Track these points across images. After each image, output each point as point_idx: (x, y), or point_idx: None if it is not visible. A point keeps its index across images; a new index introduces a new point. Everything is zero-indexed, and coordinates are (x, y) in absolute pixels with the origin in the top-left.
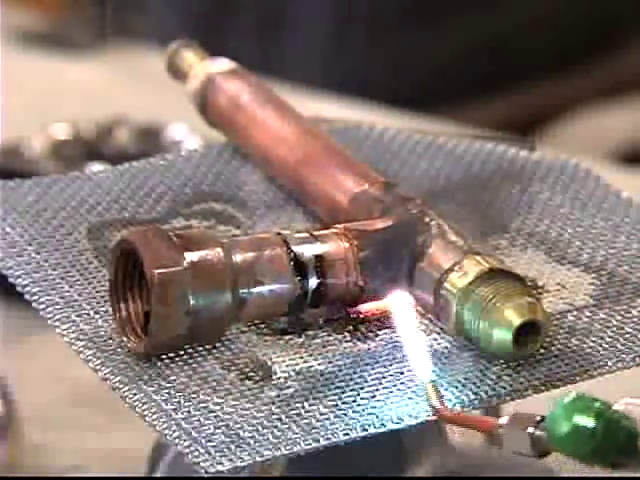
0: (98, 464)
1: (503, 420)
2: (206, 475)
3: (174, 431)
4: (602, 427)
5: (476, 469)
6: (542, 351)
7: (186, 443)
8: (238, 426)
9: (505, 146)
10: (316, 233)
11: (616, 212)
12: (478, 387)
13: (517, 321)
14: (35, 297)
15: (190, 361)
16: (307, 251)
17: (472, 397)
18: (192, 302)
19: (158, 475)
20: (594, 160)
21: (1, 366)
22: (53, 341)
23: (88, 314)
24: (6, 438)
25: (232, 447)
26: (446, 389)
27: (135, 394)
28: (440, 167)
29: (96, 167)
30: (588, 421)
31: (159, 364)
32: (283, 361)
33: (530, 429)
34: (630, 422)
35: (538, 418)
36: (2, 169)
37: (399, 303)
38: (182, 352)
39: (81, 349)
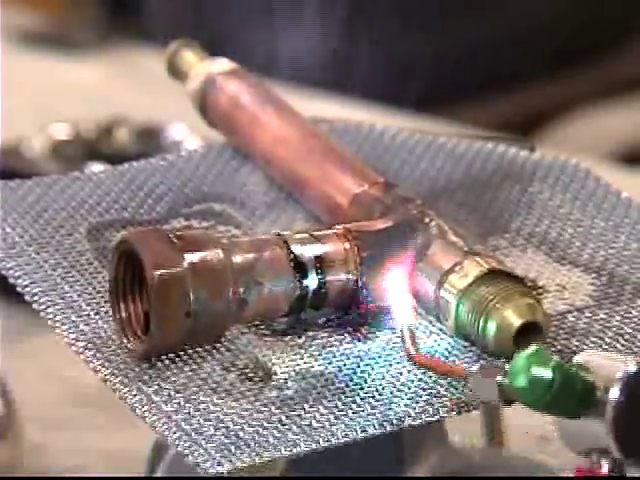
0: (98, 464)
1: (473, 368)
2: (206, 476)
3: (174, 432)
4: (559, 378)
5: (476, 469)
6: None
7: (186, 444)
8: (238, 427)
9: (505, 146)
10: (316, 234)
11: (616, 212)
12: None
13: (517, 322)
14: (35, 298)
15: (190, 362)
16: (307, 252)
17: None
18: (192, 303)
19: (158, 475)
20: (594, 160)
21: (1, 366)
22: (53, 341)
23: (88, 315)
24: (6, 438)
25: (232, 448)
26: (446, 389)
27: (135, 395)
28: (440, 167)
29: (96, 167)
30: (545, 372)
31: (159, 365)
32: (283, 362)
33: (498, 377)
34: (587, 373)
35: (506, 367)
36: (2, 169)
37: (399, 304)
38: (182, 353)
39: (81, 350)
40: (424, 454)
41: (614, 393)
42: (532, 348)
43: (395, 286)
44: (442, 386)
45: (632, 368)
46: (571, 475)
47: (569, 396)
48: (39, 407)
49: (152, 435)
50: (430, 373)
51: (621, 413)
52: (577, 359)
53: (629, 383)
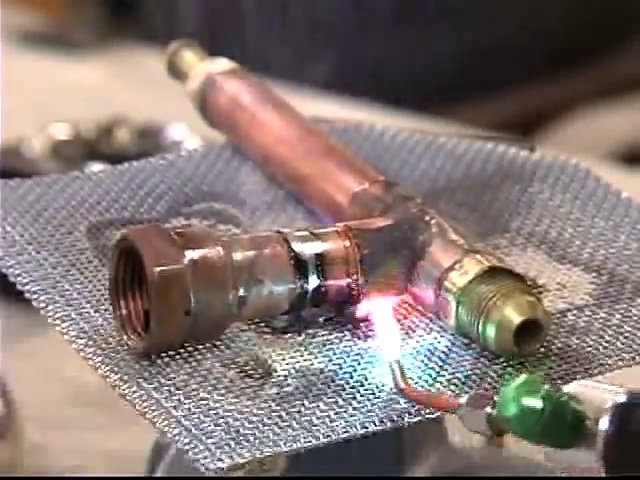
0: (98, 464)
1: (463, 400)
2: (206, 474)
3: (174, 428)
4: (549, 408)
5: (476, 469)
6: (542, 350)
7: (186, 440)
8: (238, 423)
9: (505, 146)
10: (317, 232)
11: (616, 212)
12: (479, 386)
13: (517, 320)
14: (35, 296)
15: (190, 359)
16: (308, 249)
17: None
18: (192, 300)
19: (158, 475)
20: (594, 160)
21: (1, 366)
22: (53, 341)
23: (88, 312)
24: (6, 438)
25: (232, 444)
26: (445, 387)
27: (135, 392)
28: (440, 167)
29: (96, 167)
30: (536, 402)
31: (159, 362)
32: (283, 359)
33: (488, 409)
34: (578, 404)
35: (495, 398)
36: (2, 169)
37: (386, 338)
38: (182, 350)
39: (81, 347)
40: (424, 454)
41: (604, 424)
42: (522, 378)
43: (381, 319)
44: (442, 384)
45: (621, 398)
46: (571, 475)
47: (559, 426)
48: (39, 407)
49: (152, 435)
50: (428, 370)
51: (611, 444)
52: (567, 388)
53: (619, 414)
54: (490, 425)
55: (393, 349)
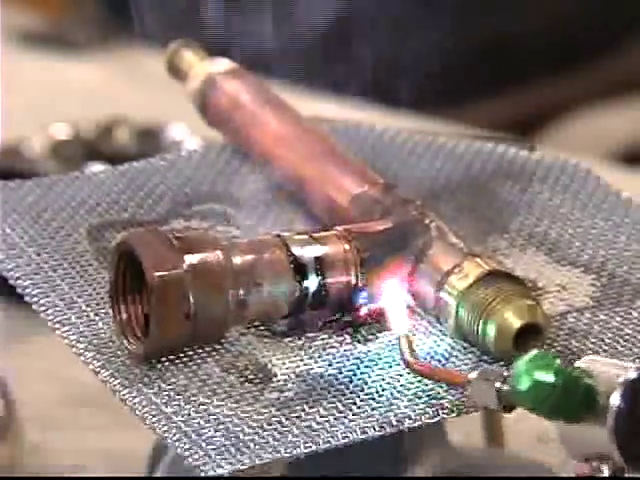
0: (98, 464)
1: (472, 375)
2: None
3: (174, 434)
4: (561, 382)
5: (476, 469)
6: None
7: (186, 446)
8: (238, 429)
9: (505, 146)
10: (316, 235)
11: (616, 212)
12: None
13: (517, 323)
14: (35, 299)
15: (190, 363)
16: (307, 253)
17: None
18: (192, 305)
19: (158, 475)
20: (594, 160)
21: (1, 366)
22: (53, 341)
23: (88, 316)
24: (6, 438)
25: (232, 450)
26: (446, 390)
27: (135, 396)
28: (440, 167)
29: (96, 167)
30: (548, 377)
31: (159, 366)
32: (283, 363)
33: (497, 384)
34: (590, 378)
35: (505, 373)
36: (2, 169)
37: (396, 311)
38: (182, 354)
39: (81, 351)
40: (424, 454)
41: (615, 399)
42: (534, 352)
43: (392, 293)
44: (442, 388)
45: (633, 374)
46: (571, 475)
47: (571, 400)
48: (39, 407)
49: (152, 435)
50: None
51: (622, 419)
52: (579, 364)
53: (630, 389)
54: (500, 400)
55: (402, 323)
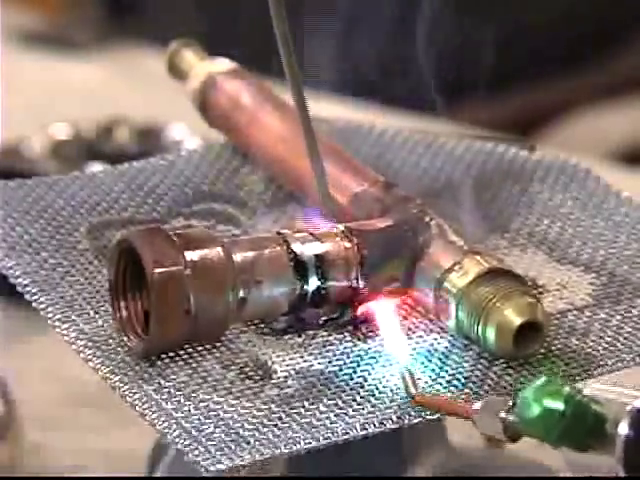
0: (98, 464)
1: (477, 405)
2: (206, 475)
3: (174, 430)
4: (571, 410)
5: (476, 469)
6: (542, 351)
7: (186, 442)
8: (238, 425)
9: (505, 146)
10: (316, 233)
11: (616, 212)
12: (479, 387)
13: (517, 321)
14: (35, 297)
15: (190, 360)
16: (307, 250)
17: (473, 397)
18: (192, 302)
19: (158, 475)
20: (594, 160)
21: (1, 366)
22: (53, 341)
23: (88, 314)
24: (6, 438)
25: (232, 446)
26: (445, 388)
27: (135, 393)
28: (440, 167)
29: (96, 167)
30: (557, 404)
31: (159, 363)
32: (283, 360)
33: (502, 414)
34: (598, 406)
35: (510, 403)
36: (2, 169)
37: (395, 303)
38: (182, 351)
39: (81, 348)
40: (424, 454)
41: (623, 428)
42: (542, 379)
43: (386, 324)
44: (441, 385)
45: None
46: (571, 475)
47: (580, 428)
48: (39, 407)
49: (152, 435)
50: (429, 371)
51: (630, 447)
52: (587, 391)
53: (638, 417)
54: (505, 430)
55: (403, 356)
